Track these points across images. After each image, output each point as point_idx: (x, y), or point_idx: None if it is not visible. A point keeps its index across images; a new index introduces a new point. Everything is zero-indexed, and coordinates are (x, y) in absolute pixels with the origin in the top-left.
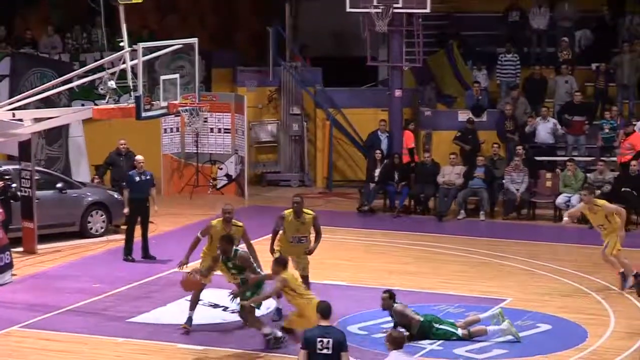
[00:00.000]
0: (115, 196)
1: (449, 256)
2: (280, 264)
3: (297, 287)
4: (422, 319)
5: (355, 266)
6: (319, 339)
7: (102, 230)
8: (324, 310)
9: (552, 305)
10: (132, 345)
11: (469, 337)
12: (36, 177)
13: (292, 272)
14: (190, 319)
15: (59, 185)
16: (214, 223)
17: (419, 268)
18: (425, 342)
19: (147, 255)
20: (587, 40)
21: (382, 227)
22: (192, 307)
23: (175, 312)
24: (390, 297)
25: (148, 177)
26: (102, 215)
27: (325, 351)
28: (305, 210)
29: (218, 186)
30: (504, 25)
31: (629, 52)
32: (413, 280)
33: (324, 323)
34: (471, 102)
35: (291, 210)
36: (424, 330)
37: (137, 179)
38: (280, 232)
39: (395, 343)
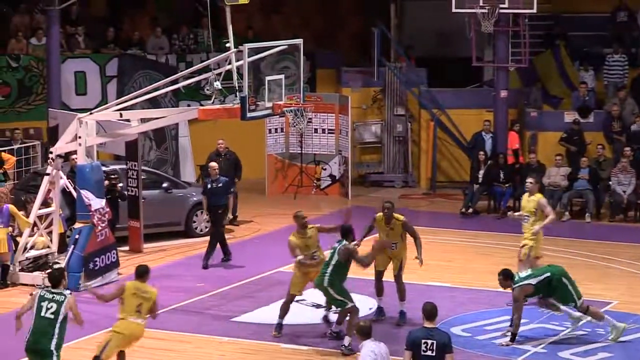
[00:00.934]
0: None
1: (554, 258)
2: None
3: None
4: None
5: (459, 267)
6: (423, 341)
7: (207, 229)
8: (429, 311)
9: None
10: (235, 344)
11: (585, 312)
12: (142, 177)
13: None
14: (280, 325)
15: (164, 185)
16: (377, 217)
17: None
18: (529, 345)
19: (227, 258)
20: None
21: (486, 229)
22: (282, 315)
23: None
24: (505, 277)
25: (220, 185)
26: (206, 215)
27: (429, 353)
28: (395, 215)
29: (322, 186)
30: (612, 26)
31: None
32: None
33: (428, 325)
34: (577, 103)
35: (382, 214)
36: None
37: (209, 186)
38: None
39: (362, 333)
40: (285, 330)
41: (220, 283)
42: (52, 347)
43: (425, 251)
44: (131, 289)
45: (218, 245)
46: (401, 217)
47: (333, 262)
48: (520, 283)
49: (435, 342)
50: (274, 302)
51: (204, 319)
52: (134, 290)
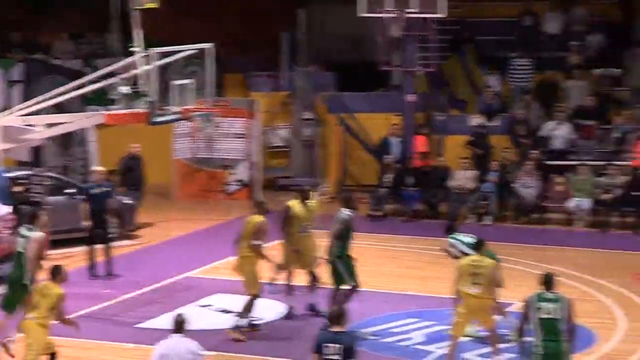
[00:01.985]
0: (126, 201)
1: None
2: None
3: None
4: None
5: (367, 271)
6: (329, 345)
7: (115, 235)
8: (335, 316)
9: None
10: (140, 350)
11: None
12: (47, 183)
13: None
14: (251, 324)
15: (69, 190)
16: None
17: (430, 272)
18: (434, 346)
19: (109, 273)
20: (600, 44)
21: (394, 232)
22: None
23: None
24: None
25: (106, 189)
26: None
27: (335, 357)
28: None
29: (230, 191)
30: (517, 30)
31: None
32: (425, 285)
33: (336, 328)
34: (484, 106)
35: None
36: None
37: (94, 191)
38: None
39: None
40: (191, 335)
41: (127, 289)
42: None
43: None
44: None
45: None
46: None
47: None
48: None
49: (341, 345)
50: (179, 307)
51: (109, 326)
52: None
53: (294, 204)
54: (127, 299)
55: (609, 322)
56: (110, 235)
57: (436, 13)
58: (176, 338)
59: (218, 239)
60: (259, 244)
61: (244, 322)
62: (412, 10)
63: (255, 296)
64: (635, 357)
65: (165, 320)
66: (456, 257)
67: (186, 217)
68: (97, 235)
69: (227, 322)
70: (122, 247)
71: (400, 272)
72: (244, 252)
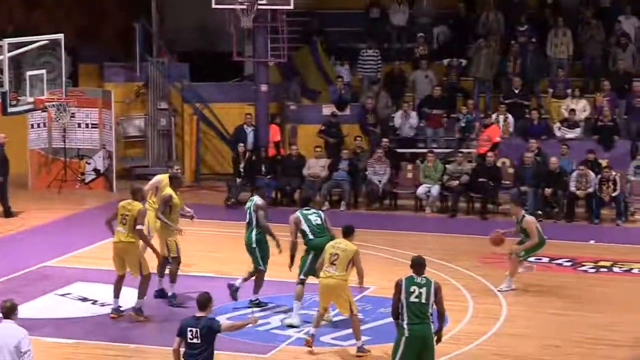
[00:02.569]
0: None
1: None
2: None
3: None
4: None
5: (223, 258)
6: (189, 329)
7: None
8: (200, 302)
9: None
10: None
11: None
12: None
13: None
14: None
15: None
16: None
17: (285, 259)
18: (292, 331)
19: None
20: (445, 36)
21: None
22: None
23: (43, 306)
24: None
25: None
26: None
27: (195, 340)
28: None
29: (86, 180)
30: (365, 22)
31: (485, 47)
32: (281, 271)
33: (199, 314)
34: (335, 96)
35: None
36: None
37: None
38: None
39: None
40: (49, 324)
41: None
42: None
43: (190, 243)
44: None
45: None
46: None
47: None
48: None
49: (198, 329)
50: (39, 296)
51: None
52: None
53: (172, 192)
54: None
55: (459, 305)
56: None
57: (285, 4)
58: (3, 324)
59: (76, 228)
60: (141, 229)
61: (142, 303)
62: (263, 2)
63: (147, 277)
64: (485, 338)
65: (25, 310)
66: (291, 233)
67: (42, 207)
68: None
69: (86, 310)
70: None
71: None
72: (127, 238)
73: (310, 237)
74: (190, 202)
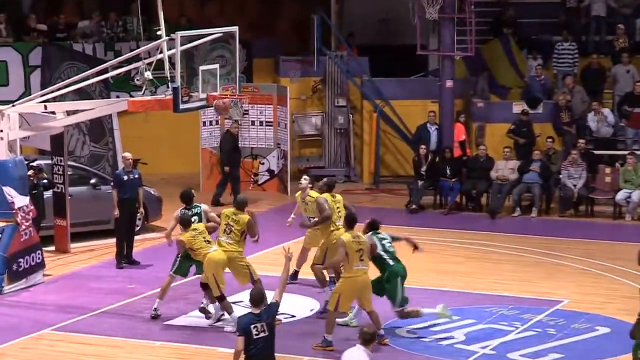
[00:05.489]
0: (152, 192)
1: (502, 255)
2: None
3: None
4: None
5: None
6: (252, 326)
7: (138, 228)
8: (253, 298)
9: (611, 307)
10: (168, 349)
11: (401, 316)
12: (69, 173)
13: None
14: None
15: (92, 181)
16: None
17: (470, 268)
18: (477, 346)
19: (130, 261)
20: None
21: (432, 225)
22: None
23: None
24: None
25: (136, 176)
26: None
27: (262, 334)
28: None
29: (260, 182)
30: (561, 12)
31: None
32: (464, 281)
33: (255, 310)
34: (526, 93)
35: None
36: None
37: (125, 177)
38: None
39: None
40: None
41: (153, 284)
42: None
43: None
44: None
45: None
46: (315, 194)
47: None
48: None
49: (264, 323)
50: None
51: (136, 323)
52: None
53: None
54: (153, 295)
55: None
56: (136, 227)
57: None
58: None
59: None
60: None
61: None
62: None
63: (259, 282)
64: None
65: (193, 317)
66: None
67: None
68: (124, 225)
69: None
70: (145, 241)
71: (440, 268)
72: (231, 247)
73: (391, 263)
74: (369, 206)
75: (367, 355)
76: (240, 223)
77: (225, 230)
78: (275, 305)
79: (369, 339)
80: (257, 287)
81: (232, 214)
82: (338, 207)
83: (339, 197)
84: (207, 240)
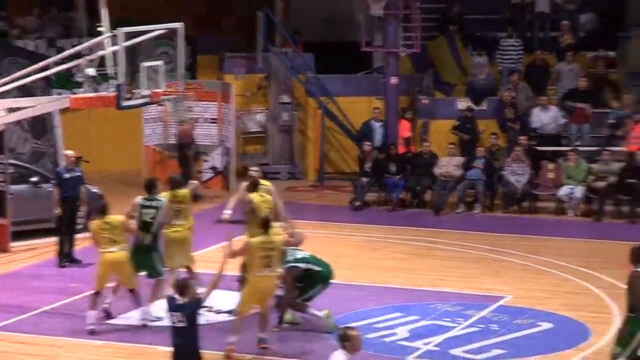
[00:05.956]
0: (94, 190)
1: (446, 252)
2: None
3: None
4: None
5: (348, 263)
6: (171, 313)
7: (81, 227)
8: (177, 285)
9: (554, 302)
10: (110, 348)
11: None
12: (10, 171)
13: None
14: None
15: (33, 179)
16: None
17: (414, 264)
18: (420, 343)
19: (72, 259)
20: (592, 23)
21: (376, 222)
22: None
23: (157, 312)
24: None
25: (78, 174)
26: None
27: (180, 324)
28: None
29: (204, 179)
30: (506, 9)
31: (636, 36)
32: (408, 278)
33: (178, 300)
34: (471, 89)
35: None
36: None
37: (67, 175)
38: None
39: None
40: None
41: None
42: None
43: (313, 246)
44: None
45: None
46: (268, 183)
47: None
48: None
49: (184, 314)
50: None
51: (78, 322)
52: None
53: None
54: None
55: (603, 317)
56: (78, 225)
57: None
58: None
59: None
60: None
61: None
62: None
63: None
64: None
65: (137, 315)
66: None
67: None
68: (65, 223)
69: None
70: (89, 238)
71: (384, 264)
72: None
73: (317, 269)
74: (313, 203)
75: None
76: (183, 199)
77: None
78: (199, 301)
79: (342, 339)
80: (186, 277)
81: (172, 196)
82: (267, 207)
83: (267, 196)
84: (114, 240)
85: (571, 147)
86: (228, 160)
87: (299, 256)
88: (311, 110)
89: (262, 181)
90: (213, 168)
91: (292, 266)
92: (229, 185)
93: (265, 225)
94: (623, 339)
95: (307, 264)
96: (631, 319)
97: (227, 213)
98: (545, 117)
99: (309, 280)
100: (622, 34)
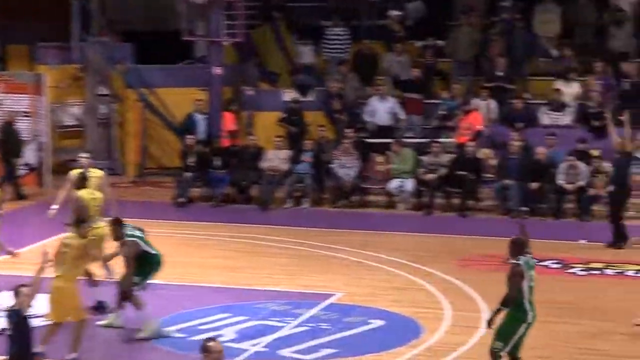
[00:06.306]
0: None
1: (273, 249)
2: None
3: None
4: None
5: (170, 262)
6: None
7: None
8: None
9: (385, 299)
10: None
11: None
12: None
13: None
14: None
15: None
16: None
17: (240, 262)
18: (248, 344)
19: None
20: (420, 12)
21: (201, 219)
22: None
23: None
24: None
25: None
26: None
27: (7, 332)
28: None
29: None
30: None
31: (465, 25)
32: (234, 276)
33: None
34: (297, 80)
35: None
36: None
37: None
38: None
39: None
40: None
41: None
42: None
43: None
44: None
45: None
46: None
47: None
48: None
49: (10, 322)
50: None
51: None
52: None
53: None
54: None
55: (435, 312)
56: None
57: None
58: None
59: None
60: None
61: None
62: None
63: None
64: (465, 349)
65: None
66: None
67: None
68: None
69: None
70: None
71: (208, 263)
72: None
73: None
74: (134, 200)
75: None
76: None
77: None
78: (18, 312)
79: (202, 350)
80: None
81: None
82: (96, 206)
83: (97, 194)
84: None
85: (400, 139)
86: (42, 156)
87: (137, 234)
88: (131, 102)
89: (91, 170)
90: (26, 164)
91: (133, 241)
92: (43, 182)
93: (78, 222)
94: (504, 334)
95: (146, 245)
96: (512, 315)
97: (54, 208)
98: (383, 108)
99: (145, 263)
100: (450, 22)
